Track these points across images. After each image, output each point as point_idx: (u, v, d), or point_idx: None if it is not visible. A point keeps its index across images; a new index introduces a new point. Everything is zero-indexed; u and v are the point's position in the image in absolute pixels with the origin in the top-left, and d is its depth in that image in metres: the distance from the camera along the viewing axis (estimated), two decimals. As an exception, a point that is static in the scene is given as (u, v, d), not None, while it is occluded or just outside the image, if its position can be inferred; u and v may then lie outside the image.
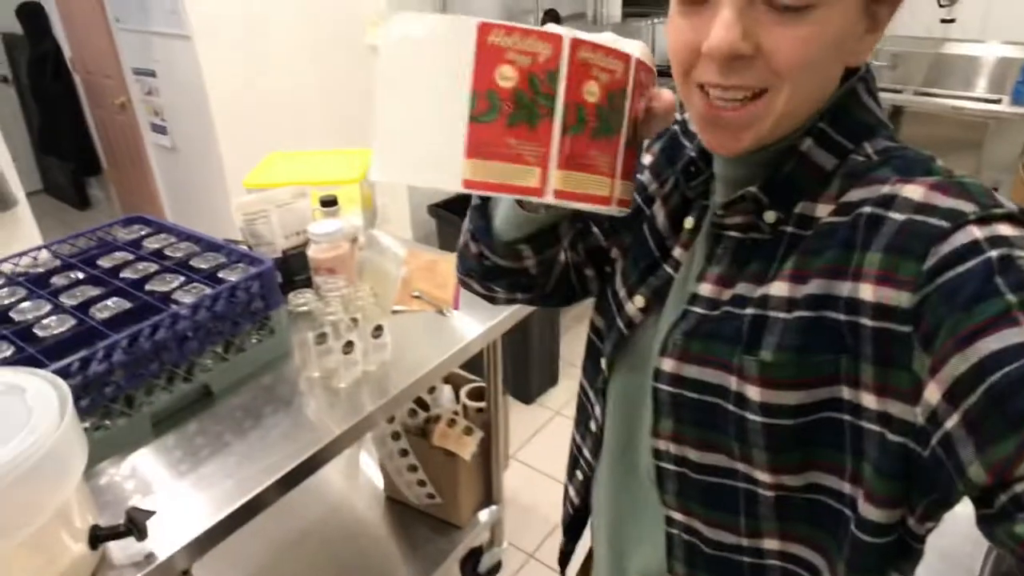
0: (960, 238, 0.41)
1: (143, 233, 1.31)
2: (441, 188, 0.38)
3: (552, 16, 2.36)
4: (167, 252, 1.23)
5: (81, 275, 1.15)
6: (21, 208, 1.96)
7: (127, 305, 1.06)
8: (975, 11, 3.03)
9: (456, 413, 1.59)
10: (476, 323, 1.29)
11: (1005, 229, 0.41)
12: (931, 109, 3.00)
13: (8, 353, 0.95)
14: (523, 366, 2.40)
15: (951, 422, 0.39)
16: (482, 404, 1.62)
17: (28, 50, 3.58)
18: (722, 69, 0.46)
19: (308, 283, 1.40)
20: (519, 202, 0.56)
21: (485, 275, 0.66)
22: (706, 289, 0.54)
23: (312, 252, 1.29)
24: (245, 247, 1.31)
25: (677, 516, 0.58)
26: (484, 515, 1.65)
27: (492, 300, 0.72)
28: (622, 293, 0.63)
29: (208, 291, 1.08)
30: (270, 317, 1.16)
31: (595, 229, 0.70)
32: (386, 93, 0.37)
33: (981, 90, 3.12)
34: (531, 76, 0.36)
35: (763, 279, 0.50)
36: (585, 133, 0.38)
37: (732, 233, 0.54)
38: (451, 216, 2.37)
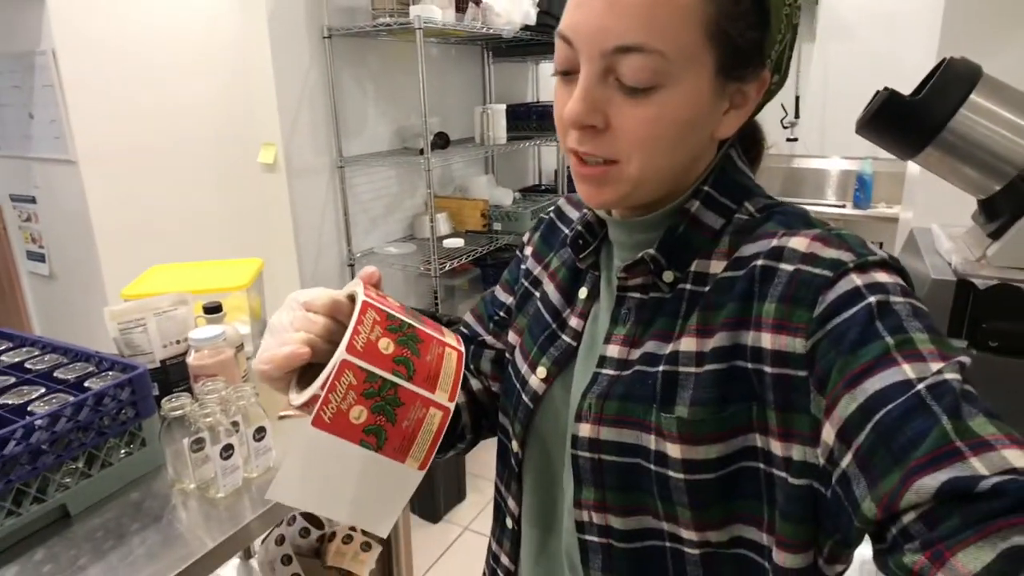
0: (843, 285, 0.45)
1: (1, 348, 1.21)
2: (415, 487, 0.46)
3: (443, 139, 2.52)
4: (28, 365, 1.14)
5: (-80, 394, 1.04)
6: None
7: (-28, 421, 0.96)
8: (812, 132, 3.50)
9: (352, 529, 1.50)
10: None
11: (881, 276, 0.45)
12: (789, 215, 3.35)
13: None
14: (428, 482, 2.31)
15: (845, 461, 0.41)
16: (382, 515, 1.54)
17: None
18: (578, 137, 0.51)
19: (187, 392, 1.33)
20: None
21: None
22: (614, 351, 0.56)
23: (192, 359, 1.24)
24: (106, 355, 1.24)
25: None
26: (388, 642, 1.52)
27: (460, 455, 0.76)
28: (524, 369, 0.63)
29: (71, 399, 1.00)
30: (142, 427, 1.08)
31: (485, 337, 0.74)
32: (327, 507, 0.46)
33: (828, 197, 3.55)
34: (364, 393, 0.43)
35: (670, 337, 0.52)
36: (413, 360, 0.45)
37: (634, 294, 0.56)
38: (349, 328, 2.34)
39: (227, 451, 1.02)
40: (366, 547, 1.44)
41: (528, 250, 0.72)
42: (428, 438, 0.45)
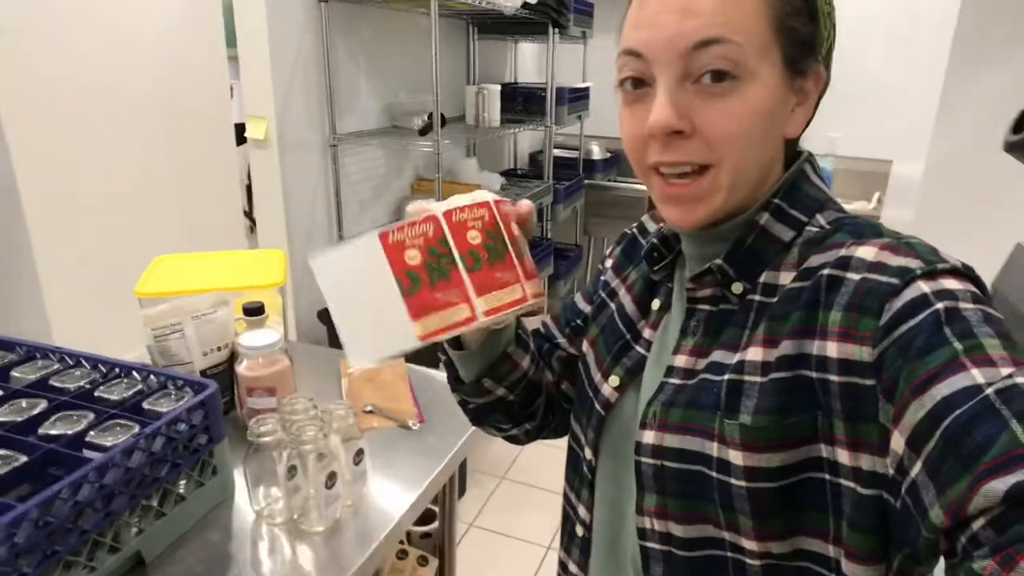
0: (910, 293, 0.44)
1: (7, 360, 1.01)
2: (406, 350, 0.48)
3: (440, 119, 2.36)
4: (55, 383, 0.95)
5: (-68, 423, 0.85)
6: None
7: (21, 459, 0.78)
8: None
9: (401, 542, 1.38)
10: (449, 434, 1.14)
11: (950, 283, 0.44)
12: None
13: None
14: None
15: (915, 469, 0.40)
16: (428, 528, 1.43)
17: None
18: (665, 147, 0.51)
19: (230, 406, 1.17)
20: (454, 346, 0.66)
21: (478, 418, 0.73)
22: (681, 361, 0.56)
23: (245, 369, 1.08)
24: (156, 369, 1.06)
25: None
26: (437, 662, 1.42)
27: (517, 441, 0.77)
28: (597, 378, 0.64)
29: (137, 428, 0.84)
30: (213, 454, 0.93)
31: (559, 339, 0.76)
32: (336, 304, 0.48)
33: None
34: (429, 249, 0.47)
35: (737, 347, 0.52)
36: (484, 265, 0.49)
37: (703, 306, 0.57)
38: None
39: (331, 479, 0.88)
40: (423, 562, 1.33)
41: (609, 263, 0.73)
42: (444, 323, 0.47)
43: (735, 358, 0.52)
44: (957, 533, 0.37)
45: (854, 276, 0.47)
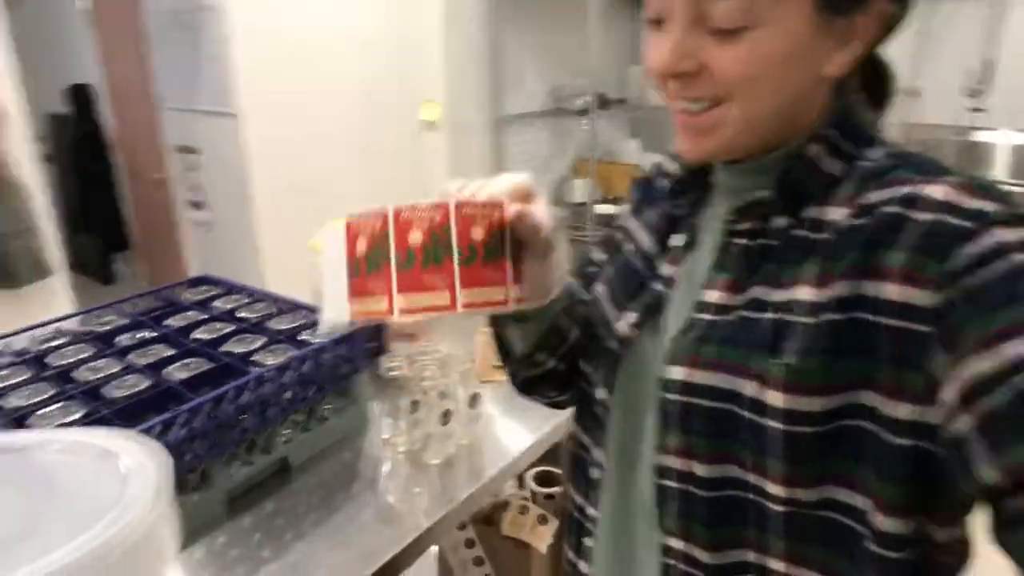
0: (985, 240, 0.41)
1: (212, 294, 1.23)
2: (383, 321, 0.50)
3: (602, 98, 2.39)
4: (240, 313, 1.14)
5: (150, 334, 1.06)
6: (56, 278, 1.91)
7: (206, 366, 0.96)
8: (1004, 103, 3.09)
9: (526, 499, 1.45)
10: (566, 396, 1.18)
11: None
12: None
13: (78, 415, 0.84)
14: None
15: (966, 422, 0.39)
16: (553, 490, 1.49)
17: (72, 129, 3.65)
18: (678, 84, 0.50)
19: (380, 349, 1.31)
20: (504, 322, 0.65)
21: (528, 390, 0.71)
22: (715, 296, 0.54)
23: (390, 317, 1.21)
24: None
25: (676, 544, 0.54)
26: (553, 618, 1.47)
27: (563, 406, 0.73)
28: (612, 315, 0.62)
29: (294, 352, 0.98)
30: (354, 384, 1.06)
31: (585, 296, 0.71)
32: (319, 277, 0.53)
33: (1003, 176, 3.13)
34: (432, 233, 0.48)
35: (779, 283, 0.50)
36: (477, 261, 0.49)
37: (740, 240, 0.54)
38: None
39: (445, 416, 0.97)
40: (542, 520, 1.39)
41: (627, 206, 0.71)
42: (423, 304, 0.48)
43: (780, 295, 0.49)
44: (1012, 493, 0.36)
45: (921, 216, 0.44)
